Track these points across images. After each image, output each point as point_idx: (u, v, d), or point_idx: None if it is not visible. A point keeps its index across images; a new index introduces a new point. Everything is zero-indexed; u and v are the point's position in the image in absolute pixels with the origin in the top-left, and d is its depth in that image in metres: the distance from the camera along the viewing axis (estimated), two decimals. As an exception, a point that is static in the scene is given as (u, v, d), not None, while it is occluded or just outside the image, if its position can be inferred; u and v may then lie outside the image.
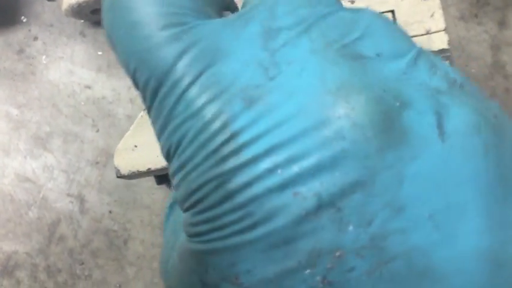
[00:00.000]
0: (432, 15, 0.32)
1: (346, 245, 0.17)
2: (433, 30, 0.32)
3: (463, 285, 0.17)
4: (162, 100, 0.20)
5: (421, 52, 0.20)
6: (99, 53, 0.47)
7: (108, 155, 0.46)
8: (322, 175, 0.17)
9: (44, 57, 0.47)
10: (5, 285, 0.44)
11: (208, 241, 0.19)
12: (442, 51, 0.32)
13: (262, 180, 0.18)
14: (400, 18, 0.32)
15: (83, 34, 0.48)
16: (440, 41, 0.32)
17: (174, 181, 0.21)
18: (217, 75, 0.19)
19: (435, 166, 0.18)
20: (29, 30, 0.48)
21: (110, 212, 0.45)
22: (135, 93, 0.46)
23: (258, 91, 0.18)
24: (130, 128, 0.34)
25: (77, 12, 0.43)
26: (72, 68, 0.47)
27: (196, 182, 0.19)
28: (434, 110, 0.19)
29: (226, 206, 0.18)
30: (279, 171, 0.17)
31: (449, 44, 0.32)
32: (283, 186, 0.17)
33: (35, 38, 0.48)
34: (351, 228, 0.17)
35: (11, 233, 0.45)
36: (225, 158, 0.18)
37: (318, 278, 0.17)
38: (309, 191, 0.17)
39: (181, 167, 0.20)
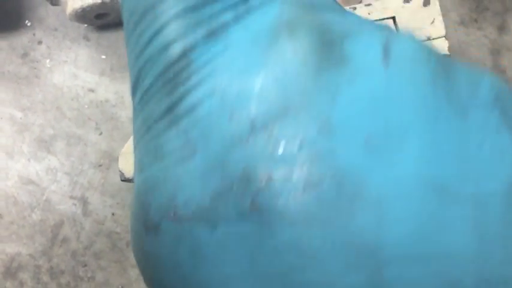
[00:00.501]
0: (432, 22, 0.32)
1: (276, 167, 0.17)
2: (433, 36, 0.32)
3: (401, 211, 0.16)
4: (141, 32, 0.21)
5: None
6: (103, 56, 0.48)
7: (111, 157, 0.46)
8: (257, 99, 0.18)
9: (48, 60, 0.48)
10: (8, 286, 0.45)
11: (151, 175, 0.19)
12: (442, 56, 0.32)
13: (203, 104, 0.18)
14: (401, 25, 0.33)
15: (86, 38, 0.48)
16: (440, 47, 0.32)
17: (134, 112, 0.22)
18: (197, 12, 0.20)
19: (375, 90, 0.17)
20: (33, 34, 0.48)
21: (113, 214, 0.45)
22: (138, 97, 0.46)
23: (221, 25, 0.20)
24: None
25: (81, 16, 0.43)
26: (75, 71, 0.47)
27: (150, 107, 0.20)
28: (381, 40, 0.18)
29: (171, 133, 0.19)
30: (218, 95, 0.18)
31: (449, 50, 0.32)
32: (220, 109, 0.18)
33: (39, 42, 0.48)
34: (281, 148, 0.17)
35: (15, 235, 0.45)
36: (177, 85, 0.19)
37: (247, 202, 0.17)
38: (243, 116, 0.18)
39: (141, 96, 0.21)
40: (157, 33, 0.20)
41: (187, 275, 0.18)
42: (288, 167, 0.17)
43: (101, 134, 0.46)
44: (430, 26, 0.32)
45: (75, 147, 0.46)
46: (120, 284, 0.45)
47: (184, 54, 0.19)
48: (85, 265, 0.45)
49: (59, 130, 0.47)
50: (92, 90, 0.47)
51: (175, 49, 0.20)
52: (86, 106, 0.47)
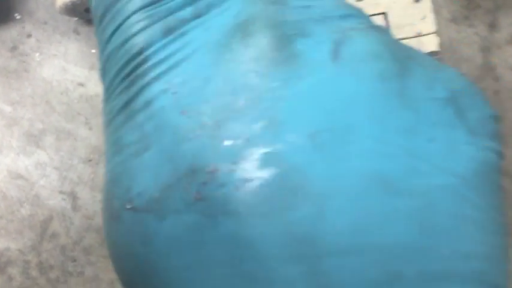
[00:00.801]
0: (423, 18, 0.32)
1: (219, 162, 0.17)
2: (424, 32, 0.33)
3: (343, 203, 0.16)
4: (104, 27, 0.22)
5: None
6: (93, 51, 0.47)
7: (101, 152, 0.46)
8: (207, 98, 0.18)
9: (37, 54, 0.47)
10: (-3, 281, 0.45)
11: (113, 168, 0.21)
12: (432, 53, 0.32)
13: (158, 99, 0.19)
14: (392, 21, 0.33)
15: (76, 32, 0.48)
16: (431, 44, 0.32)
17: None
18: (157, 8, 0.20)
19: (322, 87, 0.18)
20: (23, 28, 0.48)
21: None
22: (128, 92, 0.46)
23: (179, 21, 0.20)
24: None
25: (71, 10, 0.43)
26: (65, 65, 0.47)
27: (111, 101, 0.21)
28: (333, 39, 0.18)
29: (128, 127, 0.20)
30: (172, 92, 0.19)
31: (440, 46, 0.33)
32: (173, 105, 0.19)
33: (29, 36, 0.48)
34: (226, 144, 0.17)
35: (3, 230, 0.45)
36: (135, 80, 0.20)
37: (193, 193, 0.17)
38: (194, 113, 0.18)
39: (105, 91, 0.22)
40: (117, 28, 0.21)
41: (139, 264, 0.19)
42: (233, 160, 0.17)
43: (90, 128, 0.46)
44: (421, 22, 0.32)
45: (65, 142, 0.46)
46: (110, 279, 0.44)
47: (142, 51, 0.20)
48: (74, 260, 0.45)
49: (48, 124, 0.46)
50: (81, 85, 0.47)
51: (133, 45, 0.20)
52: (76, 100, 0.47)
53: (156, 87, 0.19)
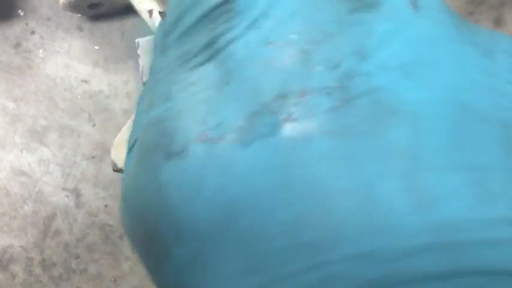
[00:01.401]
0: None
1: (312, 84, 0.17)
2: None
3: (435, 125, 0.17)
4: None
5: None
6: (96, 47, 0.47)
7: (104, 149, 0.46)
8: (294, 31, 0.19)
9: (41, 51, 0.47)
10: (0, 278, 0.44)
11: (179, 103, 0.20)
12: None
13: (242, 36, 0.19)
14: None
15: (80, 28, 0.48)
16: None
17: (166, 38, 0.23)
18: None
19: (406, 29, 0.19)
20: (26, 24, 0.48)
21: (106, 206, 0.45)
22: (131, 88, 0.46)
23: None
24: (128, 122, 0.34)
25: (74, 6, 0.43)
26: (69, 62, 0.47)
27: (190, 43, 0.21)
28: None
29: (208, 64, 0.19)
30: (257, 29, 0.19)
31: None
32: (259, 40, 0.19)
33: (32, 32, 0.48)
34: (318, 68, 0.18)
35: (6, 227, 0.45)
36: (219, 23, 0.20)
37: (284, 115, 0.17)
38: (281, 42, 0.19)
39: (179, 35, 0.22)
40: None
41: (213, 196, 0.18)
42: (325, 83, 0.17)
43: (94, 125, 0.46)
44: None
45: (68, 139, 0.46)
46: (113, 277, 0.44)
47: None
48: (77, 257, 0.44)
49: (51, 121, 0.46)
50: (85, 81, 0.47)
51: None
52: (79, 97, 0.46)
53: (241, 27, 0.19)
